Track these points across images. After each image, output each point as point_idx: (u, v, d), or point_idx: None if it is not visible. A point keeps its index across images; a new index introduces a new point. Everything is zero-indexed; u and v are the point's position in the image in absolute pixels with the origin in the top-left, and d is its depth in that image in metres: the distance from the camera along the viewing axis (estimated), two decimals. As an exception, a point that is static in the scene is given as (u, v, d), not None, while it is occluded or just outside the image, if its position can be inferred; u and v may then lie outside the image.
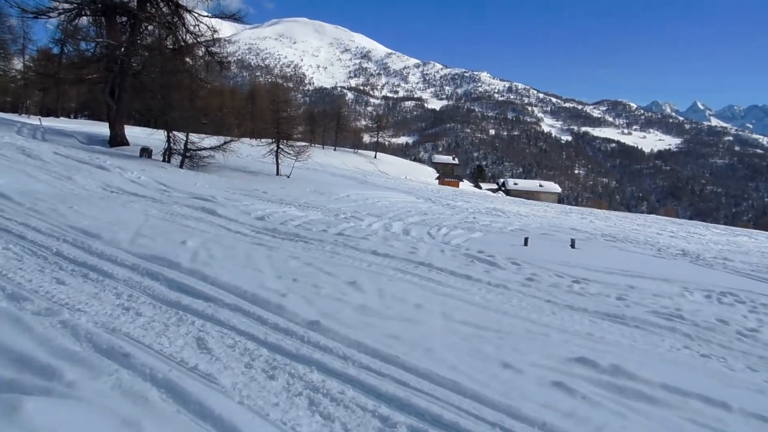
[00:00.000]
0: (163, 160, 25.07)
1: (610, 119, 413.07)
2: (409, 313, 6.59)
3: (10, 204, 10.22)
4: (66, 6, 27.72)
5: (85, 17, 29.04)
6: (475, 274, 9.51)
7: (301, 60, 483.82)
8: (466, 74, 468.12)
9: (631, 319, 7.66)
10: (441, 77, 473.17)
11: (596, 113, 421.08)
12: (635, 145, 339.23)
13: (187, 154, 25.11)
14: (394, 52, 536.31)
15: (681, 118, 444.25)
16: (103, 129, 33.12)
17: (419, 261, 10.02)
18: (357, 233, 12.63)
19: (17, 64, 60.82)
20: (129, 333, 4.85)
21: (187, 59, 29.80)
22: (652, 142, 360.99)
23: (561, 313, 7.64)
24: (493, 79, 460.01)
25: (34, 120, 40.42)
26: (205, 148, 25.82)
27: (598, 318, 7.61)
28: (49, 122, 41.35)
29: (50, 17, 28.09)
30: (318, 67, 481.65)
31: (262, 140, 33.61)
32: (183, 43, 30.24)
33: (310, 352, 4.90)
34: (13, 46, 60.00)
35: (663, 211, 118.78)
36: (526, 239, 15.35)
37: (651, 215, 49.50)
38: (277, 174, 29.30)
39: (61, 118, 56.38)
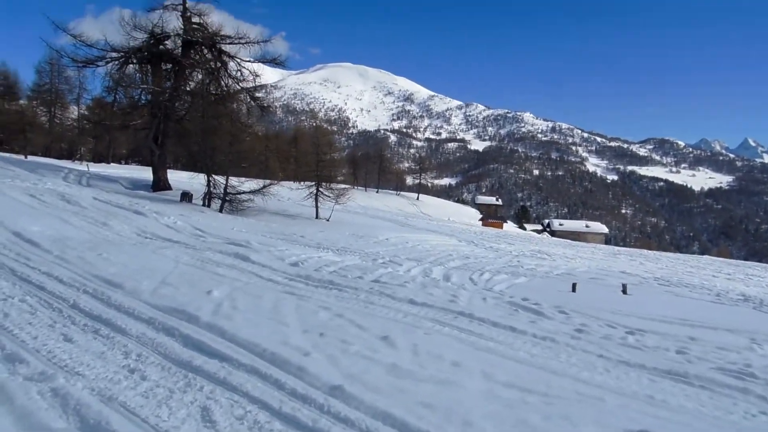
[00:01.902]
0: (203, 205, 25.12)
1: (657, 158, 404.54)
2: (446, 372, 5.90)
3: (39, 252, 10.04)
4: (114, 55, 28.53)
5: (131, 65, 29.79)
6: (519, 325, 8.72)
7: (345, 104, 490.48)
8: (508, 115, 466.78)
9: (695, 377, 6.75)
10: (483, 118, 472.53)
11: (642, 152, 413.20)
12: (684, 184, 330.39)
13: (227, 198, 25.10)
14: (436, 94, 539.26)
15: (732, 156, 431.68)
16: (148, 174, 33.68)
17: (459, 311, 9.30)
18: (394, 280, 11.99)
19: (73, 112, 63.37)
20: (126, 402, 4.33)
21: (229, 104, 30.09)
22: (702, 180, 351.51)
23: (615, 371, 6.80)
24: (537, 119, 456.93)
25: (83, 166, 41.42)
26: (244, 192, 25.80)
27: (657, 376, 6.74)
28: (98, 168, 42.40)
29: (98, 66, 28.92)
30: (362, 110, 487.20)
31: (302, 183, 33.51)
32: (225, 88, 30.70)
33: (329, 425, 4.27)
34: (70, 95, 62.91)
35: (716, 252, 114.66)
36: (574, 285, 14.52)
37: (704, 256, 47.45)
38: (317, 217, 29.05)
39: (112, 164, 57.91)
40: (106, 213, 16.48)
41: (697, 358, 7.77)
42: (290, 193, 36.24)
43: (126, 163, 68.07)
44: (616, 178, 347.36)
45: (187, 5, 30.03)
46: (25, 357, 4.96)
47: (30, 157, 41.83)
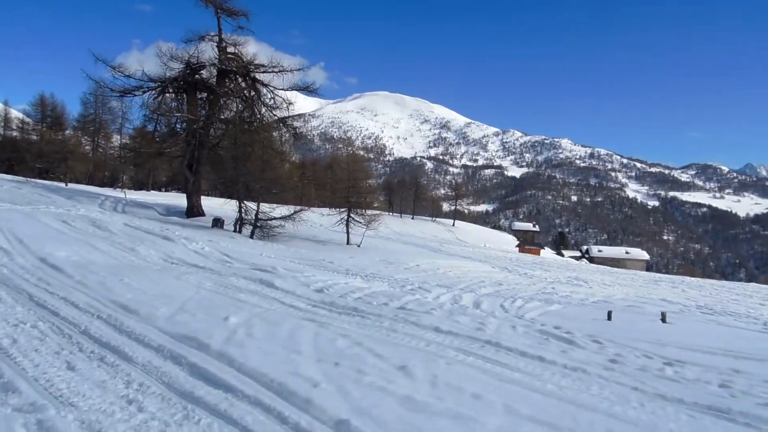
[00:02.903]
0: (235, 230, 25.20)
1: (700, 183, 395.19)
2: (465, 406, 5.50)
3: (60, 277, 10.01)
4: (151, 84, 29.15)
5: (168, 94, 30.37)
6: (549, 354, 8.23)
7: (382, 131, 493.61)
8: (546, 141, 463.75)
9: (739, 414, 6.19)
10: (521, 145, 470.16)
11: (684, 177, 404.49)
12: (729, 210, 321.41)
13: (258, 224, 25.12)
14: (473, 121, 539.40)
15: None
16: (184, 201, 34.11)
17: (486, 339, 8.84)
18: (421, 307, 11.57)
19: (116, 141, 65.35)
20: (114, 437, 4.09)
21: (262, 131, 30.37)
22: (748, 206, 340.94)
23: (651, 405, 6.27)
24: (574, 145, 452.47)
25: (121, 193, 42.23)
26: (275, 218, 25.80)
27: (697, 412, 6.20)
28: (137, 195, 43.28)
29: (136, 95, 29.58)
30: (398, 138, 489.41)
31: (333, 209, 33.50)
32: (259, 116, 31.03)
33: (330, 465, 3.96)
34: (113, 125, 64.95)
35: (764, 279, 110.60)
36: (609, 313, 13.91)
37: (751, 284, 45.55)
38: (348, 243, 28.89)
39: (152, 191, 59.19)
40: (135, 239, 16.54)
41: (742, 393, 7.16)
42: (321, 219, 36.25)
43: (166, 190, 69.47)
44: (657, 203, 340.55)
45: (222, 36, 30.61)
46: (20, 386, 4.77)
47: (71, 185, 42.90)
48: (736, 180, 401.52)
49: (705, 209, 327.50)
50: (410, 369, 6.54)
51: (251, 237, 24.52)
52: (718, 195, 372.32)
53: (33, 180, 37.79)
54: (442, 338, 8.76)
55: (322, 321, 9.12)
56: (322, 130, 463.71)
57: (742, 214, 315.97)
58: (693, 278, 45.92)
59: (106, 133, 66.70)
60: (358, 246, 28.12)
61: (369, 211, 32.73)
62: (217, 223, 25.91)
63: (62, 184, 41.24)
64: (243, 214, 25.71)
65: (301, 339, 7.53)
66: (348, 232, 29.87)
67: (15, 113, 67.58)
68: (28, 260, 11.30)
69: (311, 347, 7.18)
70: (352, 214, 30.07)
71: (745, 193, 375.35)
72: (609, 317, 13.56)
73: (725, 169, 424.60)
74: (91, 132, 64.50)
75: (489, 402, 5.70)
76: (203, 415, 4.67)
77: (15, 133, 63.29)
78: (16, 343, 6.15)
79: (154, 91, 29.61)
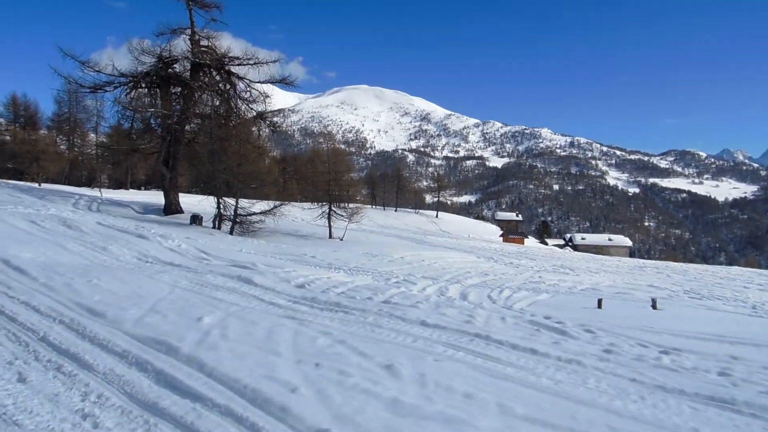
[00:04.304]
0: (213, 227, 24.60)
1: (679, 169, 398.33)
2: (456, 407, 5.06)
3: (24, 279, 9.43)
4: (122, 80, 28.35)
5: (140, 89, 29.61)
6: (541, 346, 7.83)
7: (363, 125, 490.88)
8: (526, 131, 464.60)
9: (744, 404, 5.84)
10: (501, 135, 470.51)
11: (663, 164, 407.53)
12: (708, 195, 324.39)
13: (237, 220, 24.53)
14: (453, 113, 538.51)
15: (756, 165, 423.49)
16: (162, 198, 33.40)
17: (475, 332, 8.43)
18: (406, 300, 11.11)
19: (93, 140, 64.21)
20: (60, 460, 3.59)
21: (238, 125, 29.73)
22: (726, 190, 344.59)
23: (652, 398, 5.90)
24: (555, 134, 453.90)
25: (97, 192, 41.29)
26: (254, 213, 25.23)
27: (700, 403, 5.83)
28: (114, 194, 42.34)
29: (107, 91, 28.80)
30: (379, 131, 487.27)
31: (315, 203, 32.93)
32: (235, 110, 30.39)
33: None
34: (88, 123, 63.73)
35: (744, 262, 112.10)
36: (599, 300, 13.64)
37: (733, 267, 45.89)
38: (330, 237, 28.39)
39: (131, 190, 58.14)
40: (108, 237, 15.93)
41: (743, 381, 6.86)
42: (303, 214, 35.69)
43: (145, 188, 68.37)
44: (637, 190, 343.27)
45: (195, 29, 29.87)
46: (-42, 403, 4.25)
47: (45, 185, 41.86)
48: (714, 165, 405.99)
49: (684, 195, 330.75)
50: (396, 368, 6.11)
51: (230, 233, 23.93)
52: (696, 180, 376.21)
53: (4, 181, 36.74)
54: (430, 332, 8.36)
55: (302, 318, 8.66)
56: (303, 125, 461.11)
57: (720, 198, 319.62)
58: (676, 263, 46.21)
59: (81, 132, 65.48)
60: (341, 240, 27.65)
61: (351, 204, 32.27)
62: (195, 219, 25.27)
63: (35, 185, 40.23)
64: (222, 210, 25.09)
65: (279, 338, 7.06)
66: (330, 226, 29.37)
67: (-14, 114, 65.96)
68: (-11, 263, 10.69)
69: (290, 347, 6.71)
70: (333, 208, 29.56)
71: (723, 178, 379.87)
72: (599, 305, 13.30)
73: (703, 154, 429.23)
74: (66, 131, 63.27)
75: (482, 401, 5.29)
76: (167, 429, 4.20)
77: (-13, 134, 61.91)
78: (-36, 354, 5.61)
79: (126, 87, 28.84)
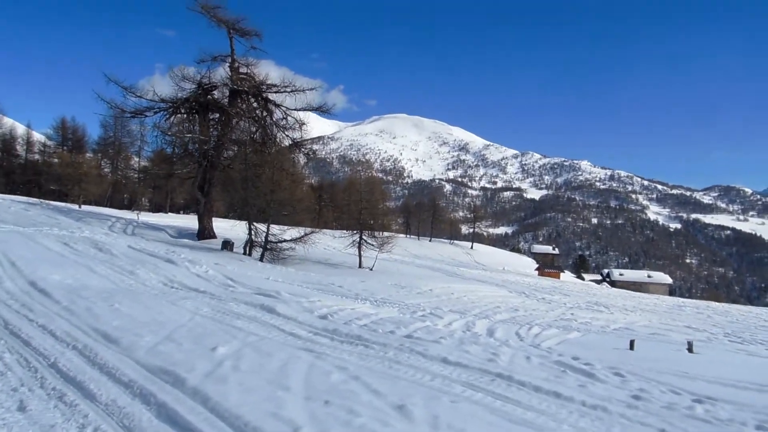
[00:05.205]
0: (244, 253, 24.70)
1: (723, 205, 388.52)
2: (469, 456, 4.81)
3: (47, 302, 9.49)
4: (162, 105, 29.01)
5: (180, 115, 30.26)
6: (565, 390, 7.44)
7: (401, 154, 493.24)
8: (565, 163, 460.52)
9: (784, 463, 5.43)
10: (540, 167, 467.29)
11: (707, 199, 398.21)
12: (753, 232, 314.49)
13: (268, 247, 24.58)
14: (491, 143, 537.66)
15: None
16: (197, 223, 33.85)
17: (497, 372, 8.07)
18: (429, 335, 10.80)
19: (136, 164, 66.05)
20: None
21: (273, 151, 30.08)
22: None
23: (682, 453, 5.53)
24: (594, 167, 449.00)
25: (134, 215, 42.12)
26: (285, 240, 25.25)
27: (737, 462, 5.44)
28: (152, 218, 43.04)
29: (147, 116, 29.52)
30: (417, 160, 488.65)
31: (346, 231, 32.82)
32: (271, 137, 30.78)
33: None
34: (132, 148, 65.64)
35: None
36: (632, 342, 13.10)
37: (779, 309, 44.15)
38: (360, 266, 28.20)
39: (170, 213, 59.22)
40: (136, 261, 16.07)
41: (786, 437, 6.39)
42: (334, 242, 35.68)
43: (184, 212, 69.57)
44: (679, 226, 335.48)
45: (235, 56, 30.55)
46: (-49, 432, 4.17)
47: (85, 207, 42.82)
48: (760, 202, 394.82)
49: (728, 232, 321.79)
50: (409, 408, 5.83)
51: (260, 260, 23.98)
52: (741, 217, 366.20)
53: (46, 202, 37.73)
54: (450, 371, 8.04)
55: (320, 351, 8.45)
56: (341, 153, 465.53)
57: (767, 236, 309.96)
58: (718, 303, 44.66)
59: (125, 156, 67.38)
60: (371, 269, 27.44)
61: (383, 233, 32.12)
62: (227, 245, 25.45)
63: (75, 206, 41.21)
64: (253, 236, 25.21)
65: (292, 372, 6.86)
66: (360, 255, 29.22)
67: (37, 136, 68.48)
68: (17, 284, 10.83)
69: (301, 382, 6.50)
70: (364, 237, 29.43)
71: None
72: (631, 346, 12.77)
73: (748, 190, 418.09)
74: (111, 154, 65.18)
75: (496, 450, 4.99)
76: (157, 468, 4.02)
77: (36, 156, 64.10)
78: (-28, 378, 5.58)
79: (165, 112, 29.53)
